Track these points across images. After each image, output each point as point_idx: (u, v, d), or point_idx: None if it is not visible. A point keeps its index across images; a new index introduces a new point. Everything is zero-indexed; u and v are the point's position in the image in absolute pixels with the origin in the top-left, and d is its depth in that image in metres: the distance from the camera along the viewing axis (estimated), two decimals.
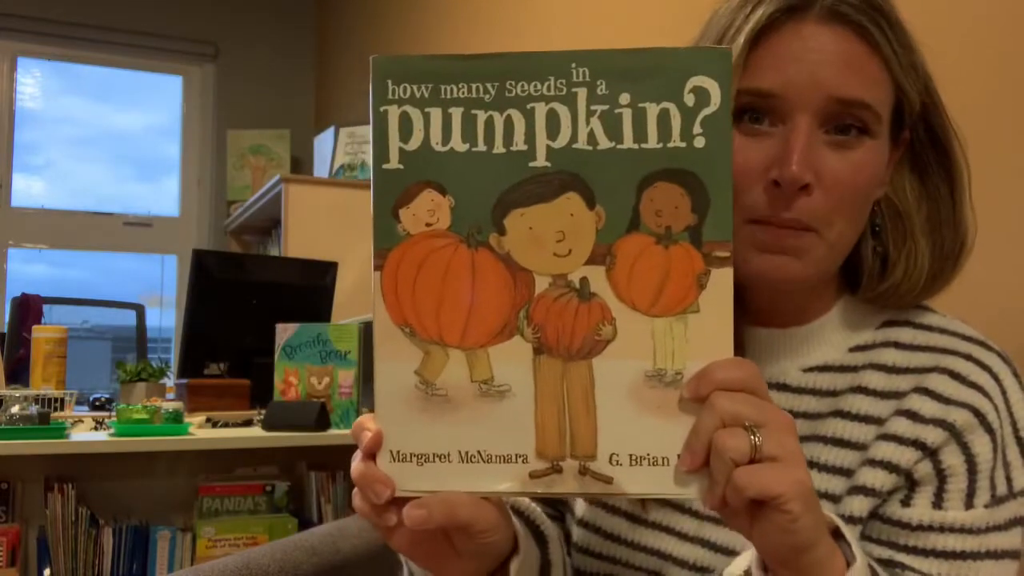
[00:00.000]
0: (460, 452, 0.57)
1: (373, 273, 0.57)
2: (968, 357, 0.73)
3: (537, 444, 0.56)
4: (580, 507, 0.80)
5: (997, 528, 0.69)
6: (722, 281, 0.54)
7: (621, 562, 0.77)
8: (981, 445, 0.69)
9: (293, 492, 2.21)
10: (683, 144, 0.54)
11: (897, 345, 0.75)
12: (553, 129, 0.55)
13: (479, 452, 0.57)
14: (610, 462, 0.55)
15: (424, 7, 3.16)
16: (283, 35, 4.43)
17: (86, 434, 2.04)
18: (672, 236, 0.55)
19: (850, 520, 0.70)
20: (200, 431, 2.07)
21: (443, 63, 0.56)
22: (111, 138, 4.38)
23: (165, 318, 4.26)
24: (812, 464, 0.72)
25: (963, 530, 0.68)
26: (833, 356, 0.75)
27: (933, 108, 0.74)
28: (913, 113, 0.72)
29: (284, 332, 2.15)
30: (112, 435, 1.95)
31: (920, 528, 0.69)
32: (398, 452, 0.57)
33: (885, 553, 0.70)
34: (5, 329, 2.91)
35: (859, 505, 0.70)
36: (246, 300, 2.45)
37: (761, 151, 0.68)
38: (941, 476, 0.70)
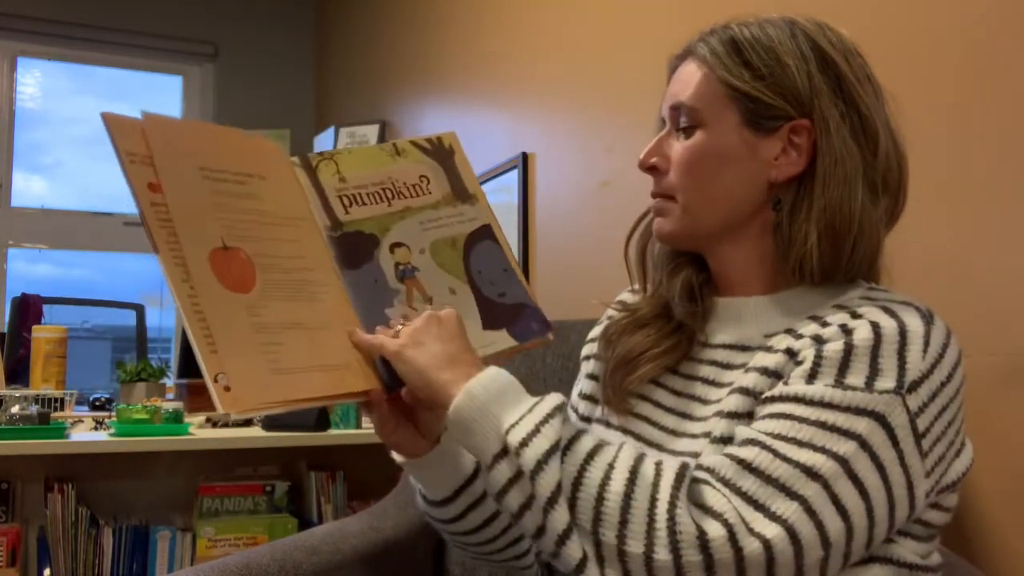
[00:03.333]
0: None
1: None
2: (882, 307, 0.81)
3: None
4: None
5: (834, 407, 0.76)
6: None
7: None
8: (834, 343, 0.79)
9: (293, 492, 2.21)
10: None
11: (839, 308, 0.84)
12: None
13: None
14: None
15: (424, 7, 3.16)
16: (283, 35, 4.43)
17: (86, 434, 2.04)
18: None
19: (729, 416, 0.83)
20: (200, 431, 2.07)
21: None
22: None
23: (165, 318, 4.25)
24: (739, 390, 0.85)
25: (796, 398, 0.77)
26: (791, 323, 0.87)
27: (816, 99, 0.85)
28: (761, 103, 0.85)
29: None
30: (112, 435, 1.95)
31: (766, 400, 0.80)
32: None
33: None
34: (5, 329, 2.91)
35: (735, 401, 0.83)
36: None
37: None
38: (797, 365, 0.80)
